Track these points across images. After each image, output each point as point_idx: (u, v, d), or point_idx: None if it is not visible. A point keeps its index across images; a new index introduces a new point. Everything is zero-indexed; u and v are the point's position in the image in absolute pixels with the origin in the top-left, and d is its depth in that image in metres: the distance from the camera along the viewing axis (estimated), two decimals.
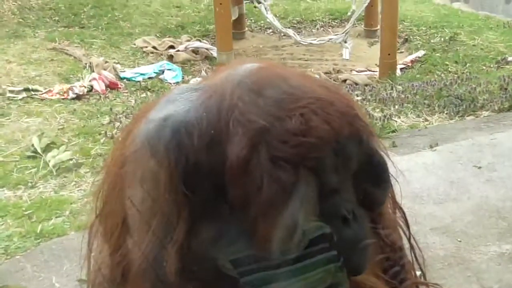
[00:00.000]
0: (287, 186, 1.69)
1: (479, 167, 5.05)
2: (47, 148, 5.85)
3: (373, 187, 1.89)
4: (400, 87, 6.78)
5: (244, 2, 9.79)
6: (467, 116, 6.13)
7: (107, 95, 7.62)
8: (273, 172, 1.70)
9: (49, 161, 5.64)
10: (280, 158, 1.70)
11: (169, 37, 9.70)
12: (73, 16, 10.05)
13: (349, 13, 9.06)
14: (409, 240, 2.17)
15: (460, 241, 4.23)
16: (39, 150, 5.82)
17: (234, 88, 1.82)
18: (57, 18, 10.00)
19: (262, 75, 1.84)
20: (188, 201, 1.80)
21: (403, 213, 2.16)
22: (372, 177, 1.89)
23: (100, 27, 9.86)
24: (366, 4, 8.57)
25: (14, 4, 10.14)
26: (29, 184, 5.36)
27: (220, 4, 8.52)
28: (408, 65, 8.57)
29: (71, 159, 5.69)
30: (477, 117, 6.12)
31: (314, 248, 1.80)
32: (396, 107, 6.32)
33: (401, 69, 8.40)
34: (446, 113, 6.15)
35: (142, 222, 1.87)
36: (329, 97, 1.81)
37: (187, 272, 1.83)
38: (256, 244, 1.77)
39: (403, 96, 6.49)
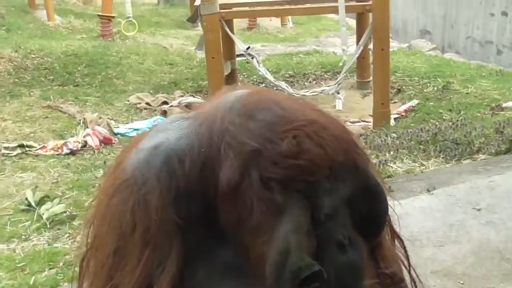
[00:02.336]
0: (278, 207, 1.66)
1: (479, 209, 5.01)
2: (41, 202, 5.82)
3: (370, 214, 1.85)
4: (394, 134, 6.77)
5: (236, 57, 9.88)
6: (463, 160, 6.12)
7: (101, 150, 7.62)
8: (263, 194, 1.66)
9: (43, 214, 5.61)
10: (271, 180, 1.66)
11: (162, 93, 9.75)
12: (67, 75, 10.13)
13: (340, 64, 9.13)
14: (409, 272, 2.12)
15: (462, 283, 4.16)
16: (33, 204, 5.78)
17: (225, 113, 1.80)
18: (52, 77, 10.08)
19: (253, 100, 1.83)
20: (180, 229, 1.77)
21: (403, 244, 2.12)
22: (369, 204, 1.85)
23: (94, 85, 9.93)
24: (358, 55, 8.63)
25: (10, 65, 10.23)
26: (23, 237, 5.30)
27: (212, 58, 8.57)
28: (402, 115, 8.61)
29: (64, 212, 5.65)
30: (474, 160, 6.11)
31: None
32: (391, 153, 6.32)
33: (395, 118, 8.43)
34: (442, 157, 6.13)
35: (134, 253, 1.82)
36: (323, 121, 1.79)
37: None
38: (249, 272, 1.72)
39: (397, 142, 6.48)
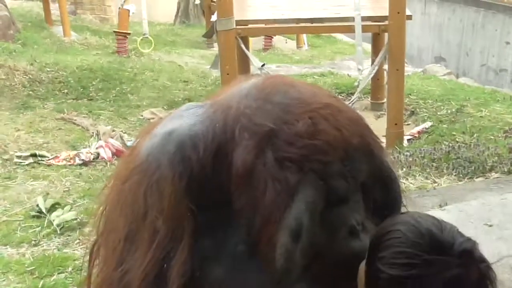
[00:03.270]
0: (291, 186, 1.67)
1: (490, 225, 4.99)
2: (51, 208, 5.88)
3: (384, 202, 1.85)
4: (407, 152, 6.76)
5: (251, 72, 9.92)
6: (476, 178, 6.11)
7: (113, 162, 7.66)
8: (278, 173, 1.68)
9: (53, 220, 5.66)
10: (286, 159, 1.68)
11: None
12: (81, 89, 10.21)
13: (355, 84, 9.13)
14: None
15: None
16: (43, 210, 5.84)
17: (241, 99, 1.83)
18: (66, 90, 10.16)
19: (269, 84, 1.85)
20: (193, 215, 1.78)
21: None
22: (383, 192, 1.86)
23: (108, 100, 10.01)
24: (372, 75, 8.64)
25: (25, 78, 10.31)
26: (33, 242, 5.35)
27: (227, 74, 8.59)
28: (415, 136, 8.58)
29: (75, 219, 5.70)
30: (486, 178, 6.09)
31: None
32: (404, 169, 6.31)
33: (408, 140, 8.41)
34: (455, 175, 6.13)
35: (145, 238, 1.84)
36: (339, 105, 1.81)
37: None
38: (260, 252, 1.73)
39: (410, 159, 6.48)
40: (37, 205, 5.93)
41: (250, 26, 8.99)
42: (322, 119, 1.72)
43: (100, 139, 8.10)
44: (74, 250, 5.22)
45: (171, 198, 1.78)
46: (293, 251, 1.69)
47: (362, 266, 1.69)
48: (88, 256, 2.14)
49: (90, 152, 7.72)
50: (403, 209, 1.94)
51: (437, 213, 5.24)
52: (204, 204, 1.79)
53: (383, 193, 1.85)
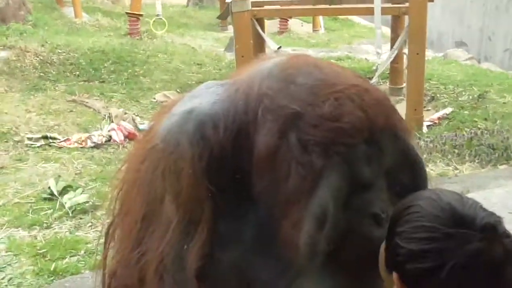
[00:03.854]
0: (316, 170, 1.66)
1: None
2: (63, 191, 5.91)
3: (409, 188, 1.83)
4: (428, 138, 6.72)
5: None
6: (500, 165, 6.07)
7: (125, 145, 7.69)
8: (302, 157, 1.67)
9: (65, 203, 5.69)
10: (310, 142, 1.66)
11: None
12: (93, 71, 10.23)
13: (373, 68, 9.07)
14: None
15: None
16: (55, 192, 5.87)
17: (263, 79, 1.81)
18: (77, 72, 10.18)
19: (292, 64, 1.83)
20: (212, 197, 1.77)
21: None
22: (409, 178, 1.84)
23: (120, 82, 10.03)
24: (391, 59, 8.58)
25: (35, 59, 10.33)
26: (44, 224, 5.37)
27: (242, 57, 8.55)
28: (435, 122, 8.51)
29: (87, 202, 5.73)
30: (510, 166, 6.05)
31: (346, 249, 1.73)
32: (424, 156, 6.28)
33: (427, 126, 8.35)
34: (477, 162, 6.09)
35: (163, 219, 1.83)
36: (365, 86, 1.79)
37: (209, 279, 1.78)
38: (282, 238, 1.71)
39: (431, 145, 6.45)
40: (49, 188, 5.95)
41: (265, 7, 8.94)
42: (347, 100, 1.70)
43: (112, 122, 8.14)
44: (86, 233, 5.24)
45: (189, 179, 1.78)
46: (317, 238, 1.68)
47: (382, 245, 1.67)
48: (103, 238, 2.14)
49: (102, 135, 7.75)
50: None
51: None
52: (223, 186, 1.78)
53: (408, 179, 1.84)
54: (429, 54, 11.75)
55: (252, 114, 1.79)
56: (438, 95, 9.36)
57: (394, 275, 1.60)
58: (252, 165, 1.76)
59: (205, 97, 1.89)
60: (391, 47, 9.02)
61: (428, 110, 8.98)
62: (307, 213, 1.67)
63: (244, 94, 1.83)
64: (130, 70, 10.45)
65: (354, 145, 1.68)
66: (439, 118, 8.59)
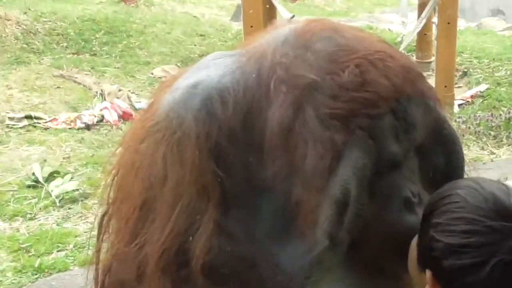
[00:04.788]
0: (337, 148, 1.64)
1: None
2: (49, 178, 5.90)
3: (443, 166, 1.80)
4: (459, 119, 6.68)
5: None
6: None
7: (119, 126, 7.68)
8: (320, 133, 1.64)
9: (52, 191, 5.68)
10: (329, 116, 1.64)
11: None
12: (83, 43, 10.19)
13: (398, 40, 9.03)
14: None
15: None
16: (40, 179, 5.86)
17: (277, 47, 1.79)
18: (65, 44, 10.14)
19: (310, 29, 1.81)
20: (219, 182, 1.75)
21: None
22: (443, 154, 1.81)
23: (113, 55, 9.99)
24: (419, 29, 8.52)
25: (17, 28, 10.31)
26: (28, 215, 5.37)
27: (251, 27, 8.50)
28: (468, 101, 8.47)
29: (77, 190, 5.72)
30: None
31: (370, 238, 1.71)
32: None
33: (459, 105, 8.30)
34: None
35: (164, 207, 1.81)
36: (390, 51, 1.76)
37: (217, 274, 1.77)
38: (298, 226, 1.70)
39: (463, 127, 6.42)
40: (33, 174, 5.94)
41: None
42: (370, 67, 1.69)
43: (104, 100, 8.12)
44: (75, 225, 5.23)
45: (194, 161, 1.76)
46: (338, 225, 1.66)
47: (415, 239, 1.65)
48: (96, 229, 2.13)
49: (93, 115, 7.72)
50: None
51: None
52: (233, 170, 1.77)
53: (442, 157, 1.81)
54: (461, 24, 11.68)
55: (264, 87, 1.77)
56: (471, 70, 9.30)
57: (427, 273, 1.58)
58: (265, 145, 1.74)
59: (213, 69, 1.88)
60: (418, 15, 8.96)
61: (459, 87, 8.94)
62: (326, 197, 1.66)
63: (256, 65, 1.82)
64: (124, 42, 10.40)
65: (379, 117, 1.67)
66: (472, 96, 8.54)
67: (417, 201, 1.72)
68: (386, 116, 1.67)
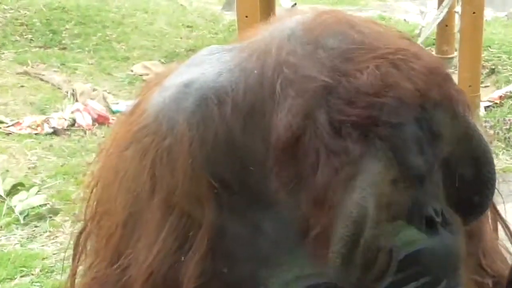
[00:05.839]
0: (353, 160, 1.63)
1: None
2: (12, 191, 5.90)
3: (472, 182, 1.80)
4: (487, 123, 6.70)
5: None
6: None
7: (94, 131, 7.67)
8: (334, 143, 1.63)
9: (15, 206, 5.68)
10: (345, 124, 1.63)
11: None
12: (51, 35, 10.21)
13: (416, 32, 9.05)
14: None
15: None
16: (1, 193, 5.86)
17: (283, 42, 1.78)
18: (30, 36, 10.15)
19: (321, 22, 1.80)
20: (215, 194, 1.74)
21: (510, 233, 2.07)
22: (471, 166, 1.81)
23: (87, 49, 10.01)
24: (439, 20, 8.56)
25: None
26: None
27: (246, 17, 8.53)
28: (496, 102, 8.50)
29: (44, 205, 5.71)
30: None
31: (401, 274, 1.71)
32: None
33: (485, 107, 8.34)
34: None
35: (152, 223, 1.81)
36: (414, 50, 1.76)
37: None
38: (308, 248, 1.69)
39: (491, 132, 6.44)
40: None
41: None
42: (392, 68, 1.67)
43: (76, 101, 8.12)
44: (42, 245, 5.22)
45: (187, 170, 1.75)
46: (353, 248, 1.66)
47: None
48: (72, 249, 2.12)
49: (63, 118, 7.72)
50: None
51: None
52: (231, 181, 1.76)
53: (471, 171, 1.81)
54: (488, 13, 11.73)
55: (269, 88, 1.76)
56: (499, 67, 9.35)
57: None
58: (269, 154, 1.74)
59: (208, 65, 1.86)
60: (439, 4, 9.00)
61: (486, 86, 8.98)
62: (340, 215, 1.65)
63: (258, 62, 1.80)
64: (99, 34, 10.43)
65: (401, 126, 1.65)
66: (501, 97, 8.58)
67: (440, 220, 1.71)
68: (409, 125, 1.66)
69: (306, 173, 1.66)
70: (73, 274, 2.08)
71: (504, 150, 6.25)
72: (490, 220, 2.01)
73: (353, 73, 1.66)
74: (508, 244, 2.00)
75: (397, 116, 1.63)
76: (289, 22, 1.83)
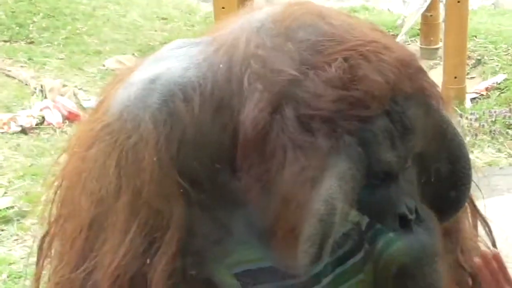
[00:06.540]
0: (321, 156, 1.65)
1: None
2: None
3: (447, 177, 1.83)
4: (472, 115, 6.74)
5: None
6: None
7: (64, 129, 7.66)
8: (301, 138, 1.66)
9: None
10: (312, 118, 1.65)
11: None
12: (17, 28, 10.17)
13: (398, 22, 9.07)
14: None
15: None
16: None
17: (252, 35, 1.80)
18: None
19: (290, 14, 1.82)
20: (183, 194, 1.76)
21: (489, 230, 2.09)
22: (446, 161, 1.84)
23: (56, 43, 9.97)
24: (423, 9, 8.59)
25: None
26: None
27: (223, 8, 8.51)
28: (482, 94, 8.52)
29: (11, 207, 5.70)
30: None
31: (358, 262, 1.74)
32: (468, 138, 6.30)
33: (472, 99, 8.36)
34: None
35: (117, 225, 1.82)
36: (385, 41, 1.78)
37: None
38: (276, 247, 1.72)
39: (476, 125, 6.47)
40: None
41: None
42: (362, 61, 1.69)
43: (45, 98, 8.11)
44: (10, 250, 5.22)
45: (154, 170, 1.76)
46: (322, 246, 1.68)
47: None
48: (36, 254, 2.13)
49: (31, 116, 7.71)
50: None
51: None
52: (199, 180, 1.78)
53: (446, 166, 1.84)
54: (474, 2, 11.76)
55: (236, 82, 1.77)
56: (486, 58, 9.37)
57: None
58: (237, 151, 1.76)
59: (174, 60, 1.88)
60: None
61: (472, 78, 9.01)
62: (308, 214, 1.67)
63: (226, 56, 1.82)
64: (69, 27, 10.40)
65: (371, 120, 1.67)
66: (487, 89, 8.60)
67: (414, 217, 1.74)
68: (380, 119, 1.68)
69: (274, 170, 1.68)
70: (37, 279, 2.10)
71: (490, 143, 6.29)
72: (469, 217, 2.04)
73: (321, 66, 1.68)
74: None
75: (367, 109, 1.65)
76: (258, 14, 1.85)
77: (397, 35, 9.18)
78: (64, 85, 8.47)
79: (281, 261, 1.72)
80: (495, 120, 6.60)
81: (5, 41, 9.87)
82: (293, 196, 1.67)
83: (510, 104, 8.02)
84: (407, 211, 1.72)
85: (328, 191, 1.64)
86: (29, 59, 9.37)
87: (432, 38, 9.78)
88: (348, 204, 1.67)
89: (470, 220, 2.06)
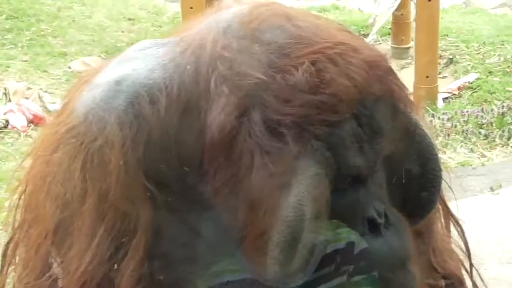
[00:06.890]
0: (288, 161, 1.65)
1: None
2: None
3: (417, 179, 1.84)
4: (445, 115, 6.77)
5: None
6: None
7: (29, 133, 7.60)
8: (268, 143, 1.66)
9: None
10: (279, 123, 1.66)
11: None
12: None
13: (370, 21, 9.10)
14: (470, 271, 2.11)
15: None
16: None
17: (219, 36, 1.79)
18: None
19: (258, 15, 1.82)
20: (150, 197, 1.76)
21: (462, 231, 2.11)
22: (416, 164, 1.85)
23: (19, 45, 9.90)
24: (394, 8, 8.62)
25: None
26: None
27: (191, 8, 8.49)
28: (454, 94, 8.56)
29: None
30: None
31: (330, 267, 1.75)
32: (440, 139, 6.34)
33: (444, 98, 8.39)
34: None
35: (83, 230, 1.81)
36: (353, 43, 1.79)
37: None
38: (246, 252, 1.72)
39: (449, 125, 6.50)
40: None
41: None
42: (329, 64, 1.69)
43: (9, 101, 8.04)
44: None
45: (120, 173, 1.76)
46: (290, 252, 1.69)
47: None
48: (0, 261, 2.12)
49: None
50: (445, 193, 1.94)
51: (488, 199, 5.26)
52: (166, 183, 1.78)
53: (416, 168, 1.85)
54: (445, 1, 11.81)
55: (203, 84, 1.77)
56: (457, 57, 9.41)
57: None
58: (204, 154, 1.76)
59: (140, 61, 1.87)
60: None
61: (444, 77, 9.04)
62: (277, 220, 1.67)
63: (193, 57, 1.82)
64: (34, 28, 10.32)
65: (338, 124, 1.68)
66: (459, 88, 8.64)
67: (383, 221, 1.75)
68: (347, 123, 1.68)
69: (241, 176, 1.68)
70: (2, 287, 2.08)
71: (462, 143, 6.33)
72: (441, 218, 2.06)
73: (288, 69, 1.68)
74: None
75: (334, 114, 1.66)
76: (225, 14, 1.85)
77: (368, 34, 9.21)
78: (28, 88, 8.42)
79: (251, 267, 1.73)
80: (468, 119, 6.64)
81: None
82: (261, 201, 1.67)
83: (483, 103, 8.07)
84: (376, 214, 1.73)
85: (297, 197, 1.64)
86: None
87: (403, 38, 9.81)
88: (316, 209, 1.68)
89: (443, 222, 2.06)
